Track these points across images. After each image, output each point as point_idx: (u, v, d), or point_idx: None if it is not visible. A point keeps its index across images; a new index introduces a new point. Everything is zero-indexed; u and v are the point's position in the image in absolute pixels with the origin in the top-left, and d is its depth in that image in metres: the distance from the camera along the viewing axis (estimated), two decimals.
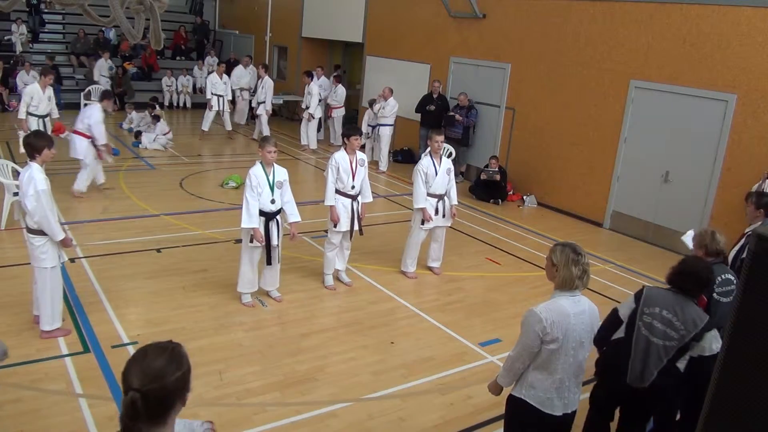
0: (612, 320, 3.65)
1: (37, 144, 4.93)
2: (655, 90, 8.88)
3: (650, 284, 4.07)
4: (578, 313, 3.12)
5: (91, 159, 9.08)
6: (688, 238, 5.05)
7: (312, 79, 13.74)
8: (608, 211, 9.69)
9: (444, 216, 6.99)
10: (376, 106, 12.54)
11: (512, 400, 3.31)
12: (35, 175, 4.83)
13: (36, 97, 9.42)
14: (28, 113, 9.49)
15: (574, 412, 3.28)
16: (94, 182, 9.39)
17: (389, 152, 12.82)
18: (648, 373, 3.49)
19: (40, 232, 4.89)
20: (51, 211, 4.89)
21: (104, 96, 9.50)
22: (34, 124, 9.44)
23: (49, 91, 9.72)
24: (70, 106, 16.01)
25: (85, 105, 12.32)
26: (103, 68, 17.10)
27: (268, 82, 13.97)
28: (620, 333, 3.62)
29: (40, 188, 4.80)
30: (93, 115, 8.96)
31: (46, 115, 9.61)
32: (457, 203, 7.09)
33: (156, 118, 13.13)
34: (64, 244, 5.06)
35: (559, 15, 10.08)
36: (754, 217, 4.96)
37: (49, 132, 9.38)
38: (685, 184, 8.62)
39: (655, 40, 8.78)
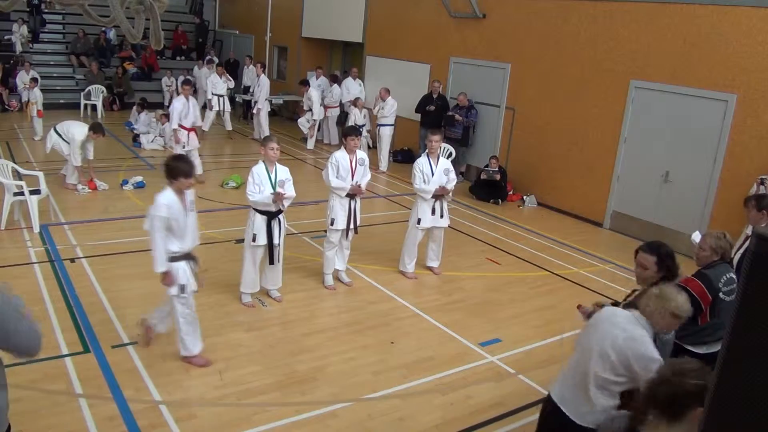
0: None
1: (174, 167, 4.58)
2: (655, 90, 8.88)
3: None
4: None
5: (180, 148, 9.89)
6: (698, 238, 5.02)
7: (309, 87, 13.75)
8: (608, 211, 9.69)
9: (441, 216, 6.99)
10: (376, 107, 12.59)
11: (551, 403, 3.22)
12: (160, 199, 4.57)
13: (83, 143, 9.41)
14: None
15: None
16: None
17: (390, 152, 12.85)
18: None
19: (171, 260, 4.65)
20: (162, 239, 4.56)
21: (185, 83, 10.92)
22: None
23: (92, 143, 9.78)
24: (69, 106, 16.04)
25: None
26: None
27: (264, 81, 13.99)
28: None
29: (154, 212, 4.54)
30: (175, 104, 10.11)
31: None
32: (452, 187, 7.00)
33: (166, 117, 13.10)
34: (164, 279, 4.68)
35: (559, 15, 10.08)
36: (758, 219, 4.88)
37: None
38: (685, 184, 8.62)
39: (655, 40, 8.78)
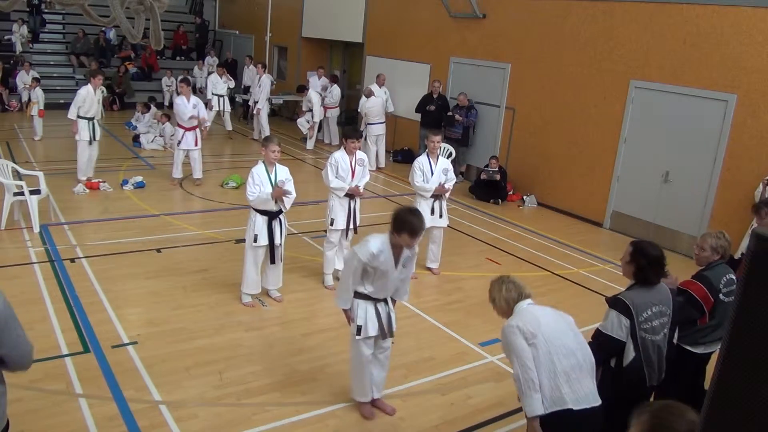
0: (607, 344, 3.46)
1: (403, 221, 3.96)
2: (655, 90, 8.88)
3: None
4: (545, 314, 3.35)
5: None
6: None
7: (308, 91, 13.73)
8: (608, 211, 9.69)
9: (440, 216, 6.99)
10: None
11: (542, 421, 3.13)
12: (370, 245, 4.05)
13: (88, 99, 9.47)
14: (79, 116, 9.47)
15: (594, 408, 3.15)
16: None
17: (386, 152, 12.84)
18: (663, 366, 3.56)
19: (357, 295, 4.24)
20: (352, 280, 4.12)
21: (183, 81, 10.68)
22: (84, 126, 9.46)
23: (99, 93, 9.88)
24: (68, 106, 15.94)
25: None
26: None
27: (265, 81, 13.99)
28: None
29: (356, 251, 4.10)
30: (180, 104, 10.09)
31: (93, 118, 9.64)
32: (451, 187, 7.02)
33: (167, 117, 13.12)
34: (348, 316, 4.31)
35: (559, 15, 10.08)
36: None
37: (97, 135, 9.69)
38: (685, 184, 8.62)
39: (655, 40, 8.78)
